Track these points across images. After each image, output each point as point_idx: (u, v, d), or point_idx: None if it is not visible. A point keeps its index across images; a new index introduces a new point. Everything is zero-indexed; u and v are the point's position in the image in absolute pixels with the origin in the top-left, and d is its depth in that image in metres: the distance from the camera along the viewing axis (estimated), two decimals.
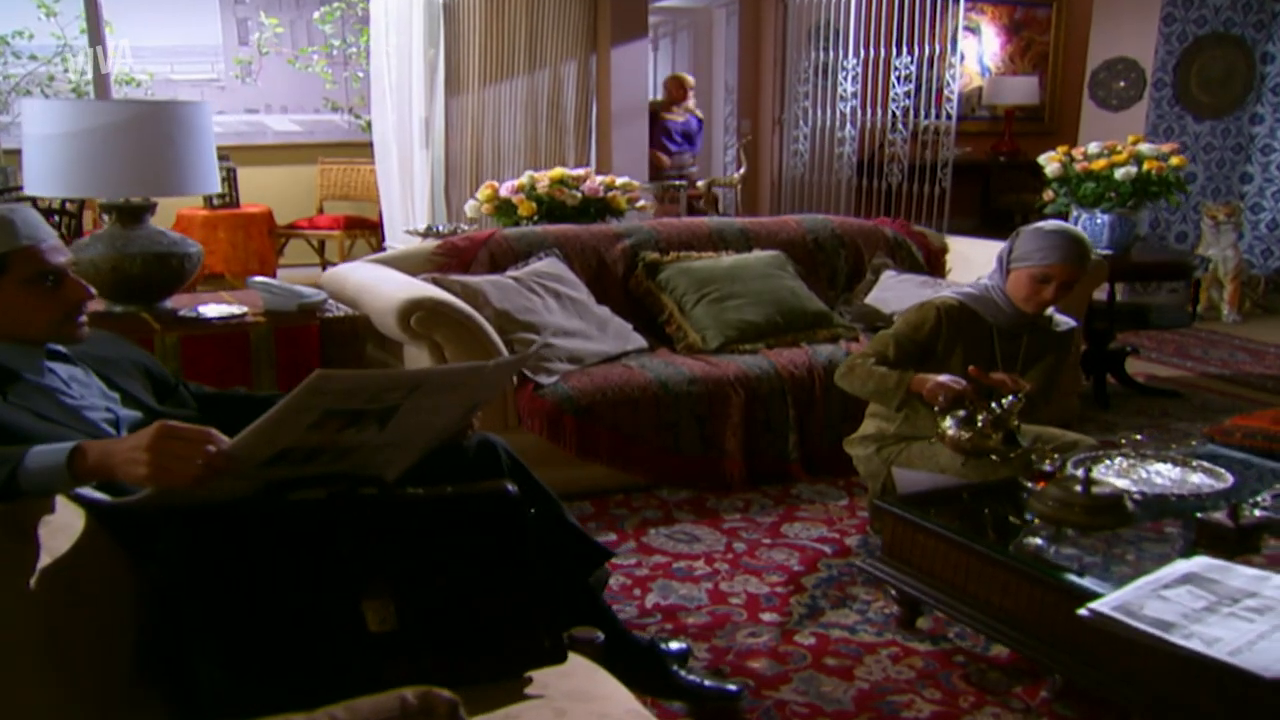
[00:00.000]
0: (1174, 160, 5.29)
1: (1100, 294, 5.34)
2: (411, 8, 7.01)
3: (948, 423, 3.27)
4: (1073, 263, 3.36)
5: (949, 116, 8.46)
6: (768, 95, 10.37)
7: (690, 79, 9.25)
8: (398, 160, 7.19)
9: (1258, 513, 2.91)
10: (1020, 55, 11.94)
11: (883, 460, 3.57)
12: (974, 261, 5.09)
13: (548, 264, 4.47)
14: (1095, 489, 2.81)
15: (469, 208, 5.07)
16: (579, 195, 4.91)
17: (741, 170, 6.91)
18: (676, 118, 8.93)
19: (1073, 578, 2.57)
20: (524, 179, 5.00)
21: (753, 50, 10.33)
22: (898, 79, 9.02)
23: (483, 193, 5.03)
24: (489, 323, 4.02)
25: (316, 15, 8.66)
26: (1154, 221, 7.80)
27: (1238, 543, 2.71)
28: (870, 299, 4.92)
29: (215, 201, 7.73)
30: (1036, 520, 2.83)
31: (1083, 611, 2.38)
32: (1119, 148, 5.35)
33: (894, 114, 9.08)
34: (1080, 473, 2.86)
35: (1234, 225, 7.32)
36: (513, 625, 1.95)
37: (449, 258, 4.46)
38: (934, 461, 3.45)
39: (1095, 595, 2.43)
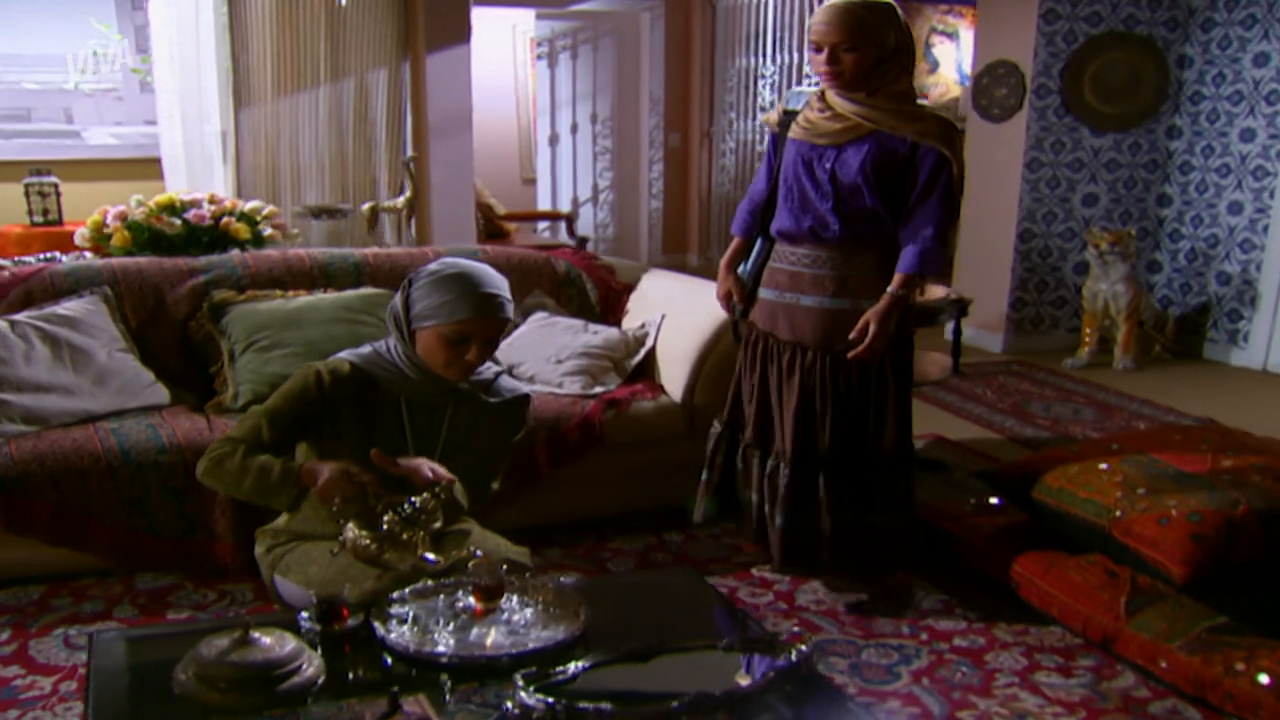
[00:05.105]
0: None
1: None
2: (198, 11, 6.48)
3: (350, 527, 2.55)
4: (491, 314, 2.65)
5: None
6: (696, 106, 9.60)
7: None
8: (187, 180, 6.66)
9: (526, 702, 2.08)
10: None
11: (270, 563, 2.85)
12: (661, 303, 4.30)
13: (80, 304, 3.85)
14: (243, 654, 2.05)
15: (78, 236, 4.49)
16: (179, 223, 4.27)
17: (406, 194, 6.01)
18: None
19: None
20: (130, 204, 4.39)
21: (681, 58, 9.57)
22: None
23: (91, 220, 4.44)
24: None
25: None
26: (1044, 250, 6.76)
27: None
28: (499, 350, 4.15)
29: (36, 219, 7.33)
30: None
31: None
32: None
33: None
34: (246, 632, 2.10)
35: (1122, 255, 6.23)
36: None
37: None
38: (304, 572, 2.72)
39: None
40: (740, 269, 3.49)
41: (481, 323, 2.64)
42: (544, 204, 9.89)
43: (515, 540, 2.90)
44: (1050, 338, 6.86)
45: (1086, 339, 6.50)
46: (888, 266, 3.21)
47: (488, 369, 2.84)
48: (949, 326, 6.96)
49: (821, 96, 3.26)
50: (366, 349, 2.80)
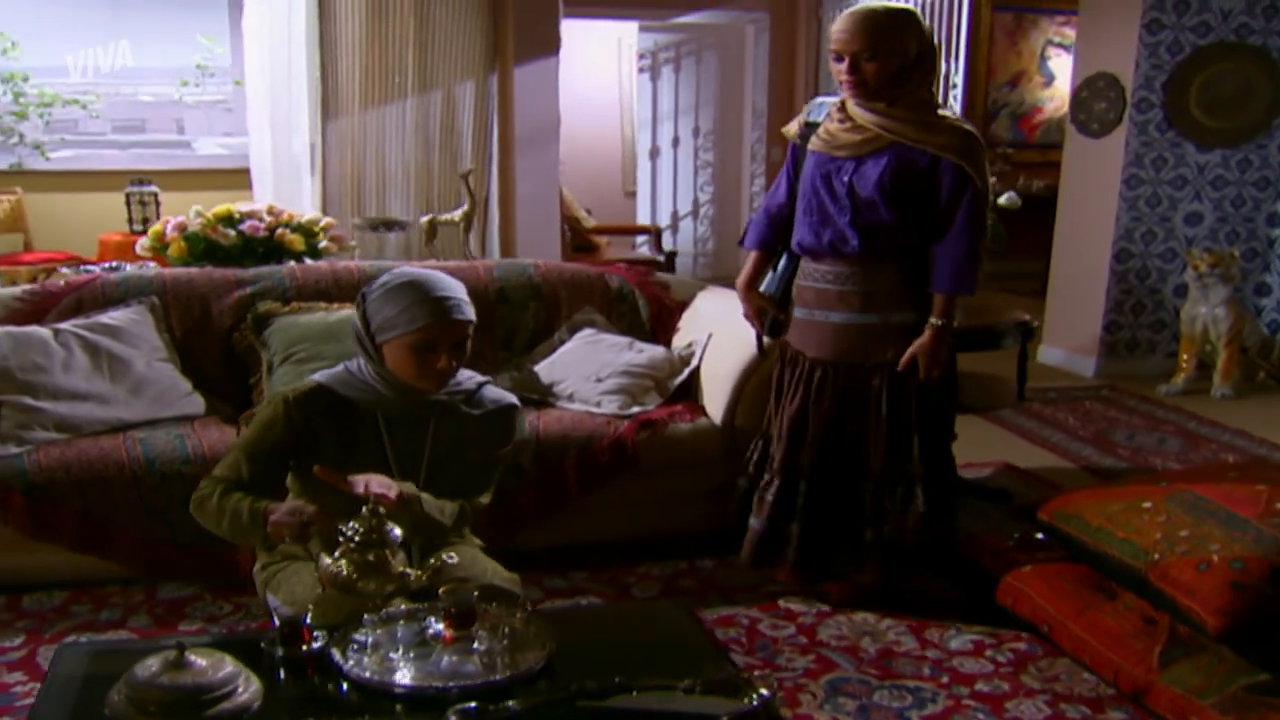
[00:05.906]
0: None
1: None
2: (290, 23, 6.58)
3: (322, 558, 2.51)
4: (449, 316, 2.58)
5: None
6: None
7: None
8: (274, 190, 6.76)
9: None
10: None
11: (264, 580, 2.84)
12: (712, 321, 4.22)
13: (125, 314, 3.92)
14: (174, 676, 2.01)
15: (139, 247, 4.57)
16: (233, 234, 4.32)
17: (464, 207, 5.83)
18: None
19: None
20: (189, 215, 4.46)
21: (785, 70, 9.41)
22: None
23: (153, 230, 4.52)
24: None
25: None
26: (1142, 271, 6.45)
27: None
28: (542, 366, 4.10)
29: (137, 227, 7.53)
30: None
31: None
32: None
33: None
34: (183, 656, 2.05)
35: (1223, 278, 5.91)
36: None
37: (29, 304, 3.97)
38: (290, 592, 2.70)
39: None
40: (761, 286, 3.41)
41: (442, 326, 2.56)
42: (644, 218, 9.83)
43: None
44: (1147, 363, 6.54)
45: (1184, 364, 6.18)
46: (911, 278, 3.16)
47: (470, 379, 2.77)
48: (1040, 350, 6.73)
49: (842, 107, 3.17)
50: (339, 368, 2.75)
